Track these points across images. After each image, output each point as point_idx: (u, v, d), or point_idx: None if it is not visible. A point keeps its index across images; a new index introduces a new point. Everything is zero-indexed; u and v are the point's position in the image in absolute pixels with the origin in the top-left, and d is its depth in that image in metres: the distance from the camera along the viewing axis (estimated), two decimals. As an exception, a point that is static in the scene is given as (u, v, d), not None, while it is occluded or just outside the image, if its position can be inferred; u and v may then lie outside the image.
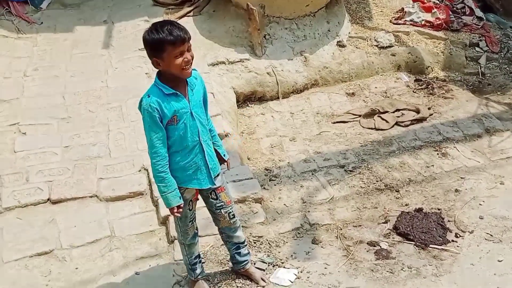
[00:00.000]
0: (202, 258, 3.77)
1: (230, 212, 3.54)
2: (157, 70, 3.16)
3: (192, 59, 3.10)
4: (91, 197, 4.49)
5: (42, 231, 4.20)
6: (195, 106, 3.22)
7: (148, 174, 4.64)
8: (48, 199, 4.46)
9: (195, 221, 3.57)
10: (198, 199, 3.51)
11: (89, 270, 3.94)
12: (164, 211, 4.26)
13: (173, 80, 3.12)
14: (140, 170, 4.69)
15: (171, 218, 4.20)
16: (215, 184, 3.41)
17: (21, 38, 6.38)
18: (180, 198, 3.26)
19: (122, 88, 5.61)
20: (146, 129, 3.17)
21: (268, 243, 4.16)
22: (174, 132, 3.18)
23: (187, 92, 3.19)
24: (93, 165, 4.75)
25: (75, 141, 5.00)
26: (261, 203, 4.49)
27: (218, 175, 3.43)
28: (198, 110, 3.25)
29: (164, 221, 4.28)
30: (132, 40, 6.26)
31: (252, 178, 4.61)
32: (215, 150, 3.47)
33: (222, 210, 3.51)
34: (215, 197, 3.47)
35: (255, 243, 4.11)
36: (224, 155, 3.54)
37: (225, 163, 3.59)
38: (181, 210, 3.29)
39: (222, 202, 3.49)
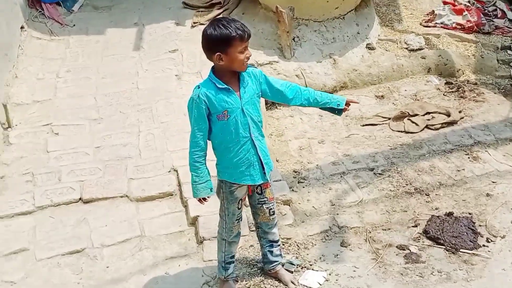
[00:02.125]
0: (235, 259, 3.78)
1: (271, 209, 3.58)
2: (212, 65, 3.22)
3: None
4: (121, 197, 4.54)
5: (74, 230, 4.26)
6: (247, 103, 3.26)
7: (177, 175, 4.68)
8: (80, 199, 4.52)
9: (241, 220, 3.61)
10: (245, 204, 3.57)
11: (119, 269, 3.99)
12: (194, 211, 4.31)
13: (227, 75, 3.20)
14: (169, 171, 4.73)
15: (201, 219, 4.25)
16: (267, 180, 3.45)
17: (54, 40, 6.49)
18: (210, 190, 3.34)
19: (152, 89, 5.67)
20: (191, 119, 3.26)
21: (297, 245, 4.16)
22: (225, 128, 3.24)
23: (239, 88, 3.25)
24: (123, 165, 4.81)
25: (106, 141, 5.07)
26: (289, 205, 4.50)
27: (271, 170, 3.48)
28: (250, 107, 3.28)
29: (193, 222, 4.31)
30: (162, 42, 6.33)
31: (280, 180, 4.61)
32: (334, 109, 3.47)
33: (264, 206, 3.56)
34: (260, 192, 3.52)
35: (283, 245, 4.11)
36: (338, 105, 3.47)
37: (348, 107, 3.52)
38: (207, 201, 3.38)
39: (266, 197, 3.54)
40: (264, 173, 3.41)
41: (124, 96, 5.60)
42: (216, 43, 3.09)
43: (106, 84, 5.78)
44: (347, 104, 3.51)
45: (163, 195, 4.56)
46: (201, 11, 6.77)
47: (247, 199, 3.61)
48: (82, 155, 4.93)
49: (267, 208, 3.57)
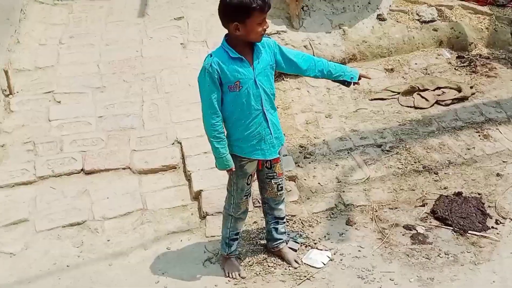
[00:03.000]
0: (239, 236, 3.72)
1: (279, 184, 3.51)
2: (226, 33, 3.11)
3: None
4: (124, 169, 4.47)
5: (75, 202, 4.20)
6: (260, 74, 3.16)
7: (181, 148, 4.59)
8: (82, 170, 4.45)
9: (250, 196, 3.55)
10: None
11: (120, 242, 3.93)
12: (197, 185, 4.24)
13: (241, 45, 3.10)
14: (173, 143, 4.64)
15: (204, 194, 4.18)
16: (278, 155, 3.37)
17: (57, 5, 6.33)
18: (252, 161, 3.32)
19: (157, 58, 5.54)
20: (203, 87, 3.13)
21: (301, 222, 4.09)
22: (236, 98, 3.14)
23: (252, 59, 3.14)
24: (126, 136, 4.72)
25: (109, 111, 4.96)
26: (295, 181, 4.41)
27: (282, 145, 3.41)
28: (263, 79, 3.18)
29: (196, 196, 4.24)
30: (167, 9, 6.18)
31: (286, 155, 4.52)
32: (341, 81, 3.41)
33: (272, 180, 3.49)
34: (269, 166, 3.45)
35: (288, 222, 4.03)
36: (351, 78, 3.41)
37: (360, 81, 3.48)
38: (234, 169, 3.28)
39: (275, 172, 3.47)
40: (275, 147, 3.33)
41: (128, 64, 5.47)
42: (235, 12, 2.97)
43: (109, 52, 5.65)
44: (359, 78, 3.43)
45: (166, 168, 4.49)
46: (208, -22, 6.58)
47: (255, 176, 3.53)
48: (85, 124, 4.84)
49: (276, 183, 3.50)
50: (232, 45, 3.10)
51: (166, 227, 4.04)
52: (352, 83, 3.45)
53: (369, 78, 3.83)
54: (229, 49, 3.09)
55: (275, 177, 3.48)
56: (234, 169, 3.29)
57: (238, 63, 3.10)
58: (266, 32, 3.09)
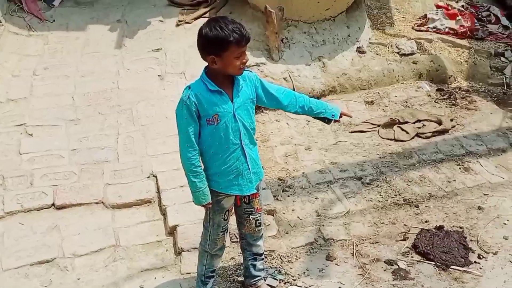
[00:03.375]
0: (216, 274, 3.58)
1: (257, 220, 3.40)
2: (206, 65, 3.03)
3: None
4: (97, 203, 4.34)
5: (44, 238, 4.05)
6: (239, 108, 3.07)
7: (157, 181, 4.47)
8: (53, 204, 4.31)
9: (226, 232, 3.42)
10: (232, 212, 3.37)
11: (91, 281, 3.77)
12: (173, 220, 4.12)
13: (221, 78, 3.01)
14: (148, 177, 4.52)
15: (179, 229, 4.05)
16: (256, 190, 3.27)
17: (32, 36, 6.22)
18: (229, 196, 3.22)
19: (133, 90, 5.44)
20: (181, 120, 3.03)
21: (280, 258, 3.97)
22: (214, 132, 3.05)
23: (232, 92, 3.05)
24: (100, 169, 4.59)
25: (83, 144, 4.84)
26: (273, 215, 4.30)
27: (260, 180, 3.30)
28: (242, 112, 3.09)
29: (171, 231, 4.11)
30: (145, 41, 6.10)
31: (265, 189, 4.41)
32: (322, 118, 3.33)
33: (250, 216, 3.37)
34: (247, 201, 3.33)
35: (266, 257, 3.90)
36: (333, 116, 3.33)
37: (340, 118, 3.38)
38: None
39: (253, 208, 3.36)
40: (253, 183, 3.23)
41: (104, 96, 5.36)
42: (211, 45, 2.89)
43: (85, 83, 5.54)
44: (340, 116, 3.36)
45: (141, 202, 4.36)
46: (187, 9, 6.54)
47: (233, 210, 3.41)
48: (57, 158, 4.70)
49: (254, 219, 3.38)
50: (211, 77, 3.02)
51: (139, 264, 3.90)
52: (333, 121, 3.38)
53: (350, 117, 3.76)
54: (208, 82, 3.01)
55: (254, 212, 3.36)
56: (211, 204, 3.18)
57: (217, 96, 3.02)
58: (245, 65, 3.00)
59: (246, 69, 3.15)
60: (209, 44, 2.89)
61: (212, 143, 3.08)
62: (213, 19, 2.95)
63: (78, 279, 3.78)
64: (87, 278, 3.78)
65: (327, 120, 3.38)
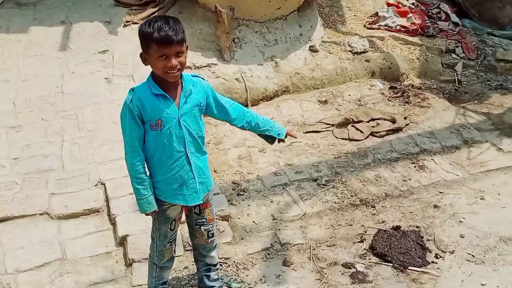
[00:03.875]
0: (167, 285, 3.43)
1: (210, 231, 3.26)
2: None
3: (182, 66, 2.82)
4: (41, 214, 4.12)
5: (-16, 254, 3.81)
6: (186, 114, 2.93)
7: (105, 189, 4.28)
8: (-7, 217, 4.06)
9: (174, 243, 3.26)
10: (183, 223, 3.21)
11: (36, 298, 3.57)
12: (122, 230, 3.95)
13: (165, 81, 2.85)
14: (96, 185, 4.33)
15: (130, 239, 3.88)
16: (202, 201, 3.12)
17: (-30, 39, 5.93)
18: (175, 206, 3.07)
19: (79, 94, 5.21)
20: (125, 126, 2.90)
21: (236, 265, 3.84)
22: (157, 138, 2.90)
23: (179, 97, 2.90)
24: (44, 179, 4.37)
25: (25, 152, 4.59)
26: (228, 221, 4.18)
27: (209, 191, 3.15)
28: (188, 119, 2.94)
29: (122, 242, 3.93)
30: (91, 43, 5.86)
31: (218, 194, 4.28)
32: (268, 136, 3.23)
33: (202, 227, 3.23)
34: (198, 212, 3.19)
35: (221, 265, 3.77)
36: (279, 135, 3.24)
37: (285, 138, 3.30)
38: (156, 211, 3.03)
39: (205, 219, 3.21)
40: (198, 193, 3.08)
41: (47, 101, 5.11)
42: (141, 42, 2.83)
43: (27, 88, 5.27)
44: (286, 136, 3.29)
45: (89, 212, 4.17)
46: (135, 9, 6.34)
47: (183, 216, 3.26)
48: (-3, 167, 4.44)
49: (206, 230, 3.24)
50: (156, 80, 2.88)
51: (88, 277, 3.71)
52: (277, 140, 3.30)
53: (295, 138, 3.65)
54: (152, 85, 2.87)
55: (205, 223, 3.22)
56: (156, 212, 3.03)
57: (161, 100, 2.87)
58: (179, 69, 2.82)
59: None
60: (140, 40, 2.83)
61: (155, 149, 2.94)
62: (154, 16, 2.84)
63: (22, 296, 3.57)
64: (32, 295, 3.58)
65: (270, 140, 3.31)
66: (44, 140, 4.71)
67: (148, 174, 3.01)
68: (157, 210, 3.02)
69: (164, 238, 3.17)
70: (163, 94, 2.87)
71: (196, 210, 3.18)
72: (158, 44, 2.72)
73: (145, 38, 2.76)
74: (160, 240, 3.18)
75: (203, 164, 3.09)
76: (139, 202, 2.99)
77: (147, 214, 3.03)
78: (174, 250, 3.29)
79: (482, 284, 3.64)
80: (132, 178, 2.96)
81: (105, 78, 5.41)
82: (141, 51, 2.87)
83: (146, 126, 2.90)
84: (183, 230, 3.83)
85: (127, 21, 6.17)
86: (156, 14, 6.24)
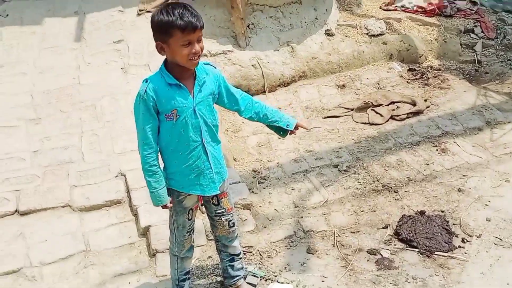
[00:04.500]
0: (190, 275, 3.41)
1: (230, 220, 3.22)
2: (164, 56, 2.83)
3: (202, 51, 2.78)
4: (63, 207, 4.11)
5: (9, 247, 3.81)
6: (200, 103, 2.88)
7: (126, 180, 4.26)
8: (16, 211, 4.07)
9: (193, 232, 3.23)
10: (199, 209, 3.17)
11: (62, 290, 3.56)
12: (145, 221, 3.93)
13: (179, 70, 2.80)
14: (117, 176, 4.31)
15: (152, 229, 3.87)
16: (219, 191, 3.08)
17: (-15, 32, 5.90)
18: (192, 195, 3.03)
19: (95, 85, 5.18)
20: (138, 117, 2.85)
21: (259, 254, 3.82)
22: (173, 128, 2.86)
23: (193, 86, 2.86)
24: (65, 171, 4.36)
25: (45, 144, 4.58)
26: (250, 209, 4.15)
27: (224, 180, 3.11)
28: (203, 108, 2.90)
29: (144, 232, 3.91)
30: (105, 32, 5.82)
31: (239, 182, 4.25)
32: (278, 127, 3.18)
33: (222, 217, 3.19)
34: (216, 202, 3.15)
35: (245, 254, 3.76)
36: (287, 126, 3.18)
37: (296, 130, 3.22)
38: (171, 204, 3.00)
39: (224, 208, 3.18)
40: (216, 183, 3.05)
41: (65, 93, 5.09)
42: (157, 31, 2.74)
43: (44, 80, 5.25)
44: (296, 127, 3.21)
45: (110, 203, 4.15)
46: (148, -3, 6.28)
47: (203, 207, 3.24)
48: (18, 160, 4.44)
49: (226, 220, 3.20)
50: (170, 69, 2.82)
51: (112, 269, 3.71)
52: (288, 132, 3.23)
53: (307, 129, 3.58)
54: (166, 75, 2.82)
55: (225, 213, 3.18)
56: (170, 205, 3.00)
57: (176, 90, 2.82)
58: (199, 55, 2.78)
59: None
60: (155, 29, 2.75)
61: (171, 140, 2.90)
62: (167, 4, 2.77)
63: (48, 289, 3.57)
64: (57, 287, 3.57)
65: (281, 132, 3.25)
66: (64, 132, 4.69)
67: (162, 166, 2.98)
68: (172, 202, 3.00)
69: (182, 228, 3.15)
70: (177, 84, 2.82)
71: (214, 201, 3.15)
72: (183, 30, 2.66)
73: (166, 26, 2.68)
74: (178, 230, 3.16)
75: (218, 154, 3.05)
76: (151, 195, 2.96)
77: (161, 207, 3.00)
78: (193, 240, 3.27)
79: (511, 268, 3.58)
80: (144, 170, 2.92)
81: (121, 68, 5.38)
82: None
83: (161, 116, 2.85)
84: (205, 220, 3.81)
85: (140, 10, 6.11)
86: (169, 1, 6.19)
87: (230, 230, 3.25)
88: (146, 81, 2.83)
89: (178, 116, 2.84)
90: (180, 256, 3.26)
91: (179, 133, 2.88)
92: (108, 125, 4.75)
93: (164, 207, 3.01)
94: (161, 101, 2.80)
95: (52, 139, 4.63)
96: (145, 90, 2.79)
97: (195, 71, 2.87)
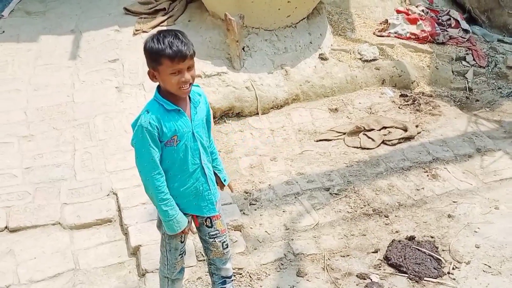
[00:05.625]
0: (181, 296, 3.41)
1: (224, 242, 3.21)
2: (157, 83, 2.84)
3: (193, 80, 2.80)
4: (53, 224, 4.11)
5: (-3, 264, 3.79)
6: (198, 125, 2.91)
7: (117, 199, 4.26)
8: (6, 227, 4.07)
9: (184, 255, 3.23)
10: (194, 233, 3.19)
11: (49, 309, 3.55)
12: (135, 240, 3.92)
13: (173, 95, 2.81)
14: (108, 195, 4.32)
15: (143, 249, 3.87)
16: (217, 212, 3.09)
17: (-20, 48, 5.93)
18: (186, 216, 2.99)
19: (89, 103, 5.20)
20: (144, 149, 2.81)
21: (249, 275, 3.82)
22: (173, 154, 2.86)
23: (189, 109, 2.88)
24: (56, 188, 4.36)
25: (37, 161, 4.59)
26: (241, 231, 4.15)
27: (217, 201, 3.12)
28: (200, 131, 2.93)
29: (134, 252, 3.91)
30: (101, 51, 5.86)
31: (231, 203, 4.26)
32: (215, 174, 3.16)
33: (216, 239, 3.17)
34: (210, 224, 3.13)
35: (234, 276, 3.75)
36: (224, 180, 3.23)
37: (227, 187, 3.30)
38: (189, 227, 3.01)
39: (217, 230, 3.16)
40: (214, 204, 3.06)
41: (58, 111, 5.11)
42: (148, 58, 2.75)
43: (38, 97, 5.27)
44: (230, 184, 3.31)
45: (101, 222, 4.16)
46: (144, 18, 6.34)
47: (194, 227, 3.23)
48: (9, 177, 4.45)
49: (220, 241, 3.19)
50: (165, 95, 2.83)
51: (101, 288, 3.68)
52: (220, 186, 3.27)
53: (232, 191, 3.57)
54: (163, 102, 2.81)
55: (218, 235, 3.17)
56: (188, 229, 3.01)
57: (175, 116, 2.83)
58: (191, 84, 2.79)
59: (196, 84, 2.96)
60: (147, 57, 2.75)
61: (171, 165, 2.90)
62: (159, 31, 2.78)
63: (35, 307, 3.55)
64: (45, 306, 3.57)
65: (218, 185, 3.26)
66: (56, 150, 4.70)
67: None
68: (187, 228, 3.00)
69: (175, 251, 3.14)
70: (177, 109, 2.83)
71: (207, 223, 3.13)
72: (172, 60, 2.68)
73: (156, 55, 2.68)
74: (170, 253, 3.15)
75: (213, 176, 3.08)
76: (168, 224, 2.93)
77: (182, 231, 3.00)
78: (184, 261, 3.27)
79: (499, 295, 3.60)
80: (157, 202, 2.88)
81: (116, 87, 5.40)
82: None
83: (161, 144, 2.85)
84: (195, 240, 3.82)
85: (136, 30, 6.16)
86: (165, 22, 6.25)
87: (224, 251, 3.24)
88: (148, 112, 2.81)
89: (178, 141, 2.85)
90: (171, 278, 3.25)
91: (179, 158, 2.89)
92: (101, 143, 4.77)
93: (182, 232, 2.99)
94: (163, 129, 2.80)
95: (44, 156, 4.64)
96: (149, 121, 2.77)
97: (188, 94, 2.89)
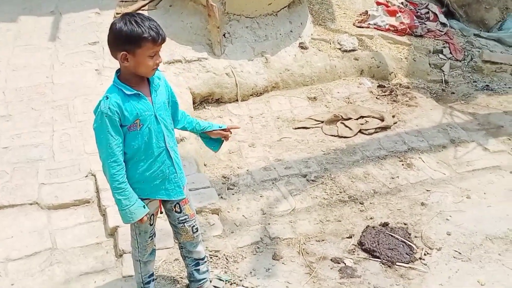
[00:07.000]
0: (155, 276, 3.44)
1: (193, 226, 3.24)
2: (117, 68, 2.82)
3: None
4: (31, 204, 4.09)
5: (-26, 243, 3.78)
6: (160, 108, 2.91)
7: (95, 180, 4.27)
8: (-18, 206, 4.03)
9: (154, 237, 3.25)
10: (162, 213, 3.19)
11: (26, 286, 3.54)
12: (113, 221, 3.93)
13: (134, 79, 2.80)
14: (86, 176, 4.31)
15: (120, 230, 3.87)
16: (184, 195, 3.11)
17: (-41, 28, 5.86)
18: (145, 207, 2.94)
19: (69, 84, 5.19)
20: (102, 135, 2.78)
21: (226, 258, 3.86)
22: (137, 138, 2.85)
23: (150, 93, 2.87)
24: (34, 168, 4.34)
25: (15, 141, 4.56)
26: (218, 214, 4.19)
27: (185, 185, 3.13)
28: (163, 113, 2.93)
29: (112, 233, 3.92)
30: (81, 33, 5.84)
31: (209, 187, 4.30)
32: (210, 132, 3.23)
33: (185, 224, 3.20)
34: (179, 210, 3.16)
35: (211, 258, 3.80)
36: (220, 127, 3.27)
37: (229, 132, 3.30)
38: (146, 217, 2.96)
39: (186, 215, 3.19)
40: (181, 187, 3.08)
41: (37, 91, 5.09)
42: (124, 41, 2.70)
43: (17, 77, 5.24)
44: (228, 130, 3.30)
45: (79, 203, 4.15)
46: (125, 1, 6.33)
47: (163, 208, 3.24)
48: (-13, 156, 4.41)
49: (190, 226, 3.23)
50: (125, 80, 2.81)
51: (78, 267, 3.70)
52: (221, 143, 3.33)
53: (238, 128, 3.66)
54: (123, 86, 2.79)
55: (188, 219, 3.20)
56: (145, 219, 2.97)
57: (135, 99, 2.81)
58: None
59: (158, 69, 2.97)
60: (122, 39, 2.70)
61: (136, 150, 2.88)
62: (128, 14, 2.75)
63: (12, 284, 3.54)
64: (22, 284, 3.56)
65: (214, 146, 3.34)
66: (35, 130, 4.69)
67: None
68: (143, 218, 2.95)
69: (144, 234, 3.15)
70: (137, 93, 2.81)
71: (176, 209, 3.15)
72: (153, 42, 2.69)
73: (136, 38, 2.67)
74: (140, 236, 3.16)
75: (179, 159, 3.09)
76: (121, 212, 2.91)
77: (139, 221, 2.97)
78: (155, 243, 3.29)
79: (468, 281, 3.71)
80: (112, 188, 2.86)
81: (95, 70, 5.39)
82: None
83: (123, 129, 2.82)
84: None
85: (117, 13, 6.15)
86: (146, 6, 6.24)
87: (194, 235, 3.27)
88: (107, 98, 2.77)
89: (141, 125, 2.84)
90: (143, 261, 3.27)
91: (143, 142, 2.87)
92: (80, 125, 4.76)
93: (140, 221, 2.96)
94: (124, 114, 2.78)
95: (22, 136, 4.62)
96: (108, 107, 2.74)
97: (148, 78, 2.89)
